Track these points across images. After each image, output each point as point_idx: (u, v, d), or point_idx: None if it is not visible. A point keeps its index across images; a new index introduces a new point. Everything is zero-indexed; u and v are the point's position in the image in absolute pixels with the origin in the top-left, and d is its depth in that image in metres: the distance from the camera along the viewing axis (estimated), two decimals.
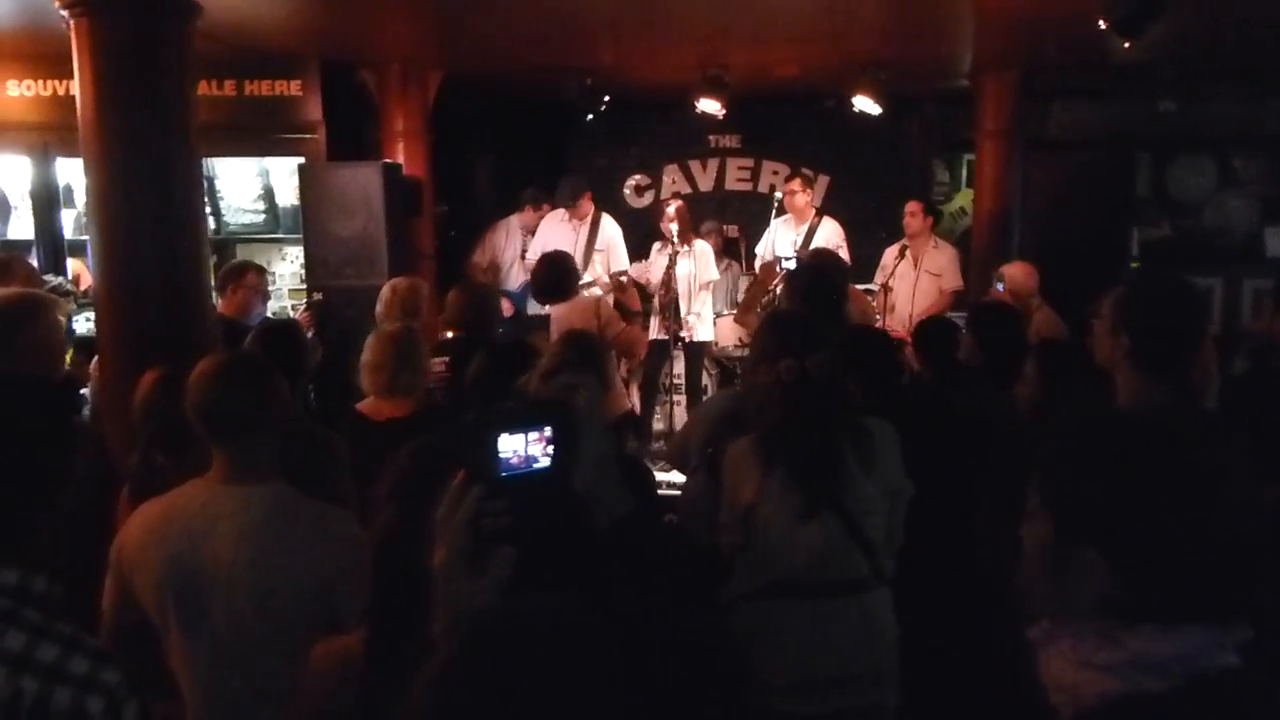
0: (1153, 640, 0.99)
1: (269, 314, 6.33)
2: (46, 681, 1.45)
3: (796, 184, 6.92)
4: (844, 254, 5.98)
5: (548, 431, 1.24)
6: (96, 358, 4.39)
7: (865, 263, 6.89)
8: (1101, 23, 4.30)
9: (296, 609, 2.12)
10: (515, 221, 7.34)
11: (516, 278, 7.19)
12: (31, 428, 1.59)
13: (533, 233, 7.15)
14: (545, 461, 1.24)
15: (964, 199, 8.59)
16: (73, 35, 3.05)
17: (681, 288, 6.31)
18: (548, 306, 5.09)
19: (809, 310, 3.50)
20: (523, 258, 7.17)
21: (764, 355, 2.60)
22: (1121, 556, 1.03)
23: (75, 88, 3.17)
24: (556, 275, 4.93)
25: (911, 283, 6.43)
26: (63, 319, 5.30)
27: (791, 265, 5.48)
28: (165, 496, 2.23)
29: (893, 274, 6.30)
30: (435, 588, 1.15)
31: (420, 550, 1.21)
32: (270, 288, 6.94)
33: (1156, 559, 1.02)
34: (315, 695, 1.57)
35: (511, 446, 1.21)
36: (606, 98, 7.02)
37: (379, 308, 4.57)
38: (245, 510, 2.14)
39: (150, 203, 3.10)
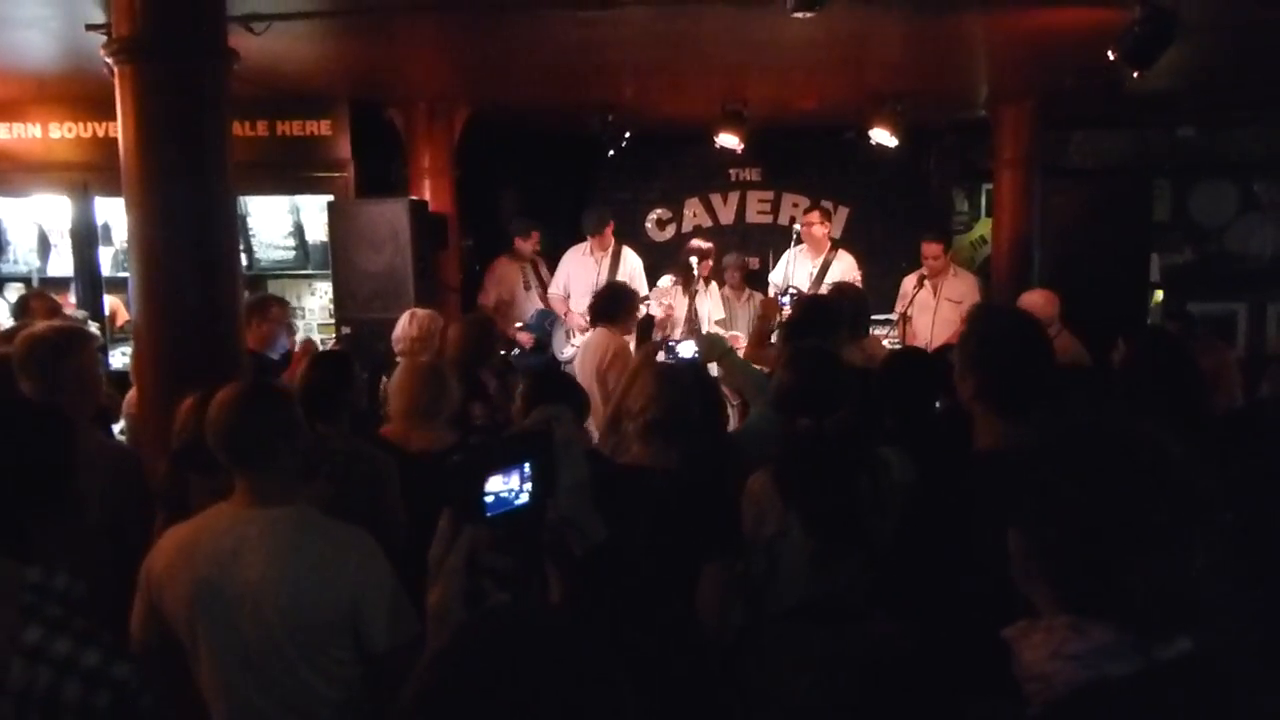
0: (1112, 630, 1.05)
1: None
2: (58, 673, 1.52)
3: (816, 216, 7.00)
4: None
5: (527, 467, 1.31)
6: (131, 391, 4.54)
7: (887, 293, 6.94)
8: (1110, 54, 4.36)
9: (322, 626, 2.19)
10: (507, 259, 7.25)
11: (528, 310, 7.15)
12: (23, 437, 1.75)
13: (530, 261, 7.18)
14: (525, 497, 1.30)
15: (984, 228, 8.63)
16: (116, 81, 3.21)
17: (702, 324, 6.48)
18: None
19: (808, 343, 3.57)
20: (527, 289, 7.17)
21: (784, 400, 2.63)
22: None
23: (116, 130, 3.31)
24: (609, 300, 5.22)
25: (931, 311, 6.46)
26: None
27: (787, 300, 5.55)
28: (193, 520, 2.31)
29: (911, 303, 6.34)
30: (430, 625, 1.20)
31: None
32: (300, 322, 7.13)
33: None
34: None
35: (498, 486, 1.27)
36: (628, 133, 7.15)
37: (398, 333, 4.74)
38: (271, 532, 2.21)
39: (188, 241, 3.21)
